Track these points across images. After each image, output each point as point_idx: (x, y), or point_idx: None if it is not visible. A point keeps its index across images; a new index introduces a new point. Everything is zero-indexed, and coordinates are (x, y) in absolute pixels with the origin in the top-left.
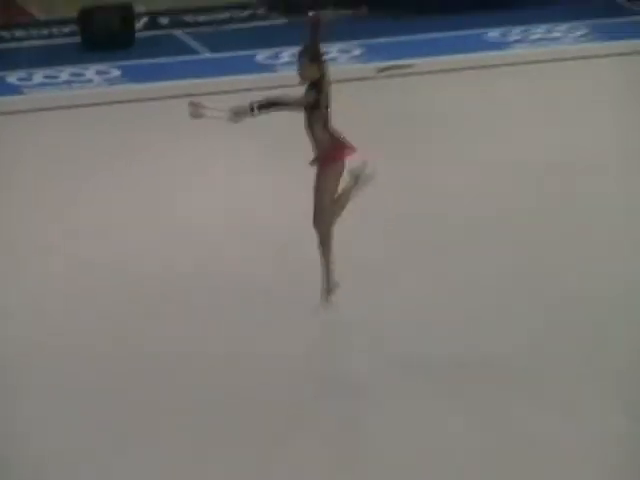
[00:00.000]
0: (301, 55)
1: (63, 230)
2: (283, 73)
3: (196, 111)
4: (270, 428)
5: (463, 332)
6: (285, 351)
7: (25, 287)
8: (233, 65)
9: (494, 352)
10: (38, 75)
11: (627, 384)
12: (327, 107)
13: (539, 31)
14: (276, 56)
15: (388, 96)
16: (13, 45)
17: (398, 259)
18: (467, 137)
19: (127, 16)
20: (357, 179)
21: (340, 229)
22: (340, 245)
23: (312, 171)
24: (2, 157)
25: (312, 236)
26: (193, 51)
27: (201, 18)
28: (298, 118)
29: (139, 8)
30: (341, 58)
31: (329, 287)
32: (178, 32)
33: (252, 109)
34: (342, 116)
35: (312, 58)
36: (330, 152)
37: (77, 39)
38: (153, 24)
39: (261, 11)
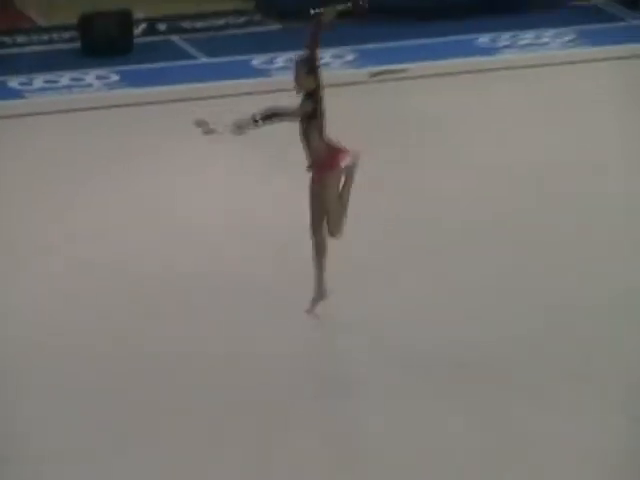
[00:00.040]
0: (298, 65)
1: (63, 231)
2: (278, 78)
3: (206, 128)
4: (270, 428)
5: (462, 332)
6: (285, 351)
7: (25, 287)
8: (229, 70)
9: (494, 352)
10: (39, 80)
11: (627, 384)
12: (323, 116)
13: (528, 37)
14: (271, 61)
15: (380, 100)
16: (14, 50)
17: (393, 262)
18: (458, 140)
19: (126, 22)
20: (352, 175)
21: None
22: (336, 247)
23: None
24: (3, 159)
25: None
26: (190, 56)
27: (198, 24)
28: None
29: (138, 15)
30: (334, 63)
31: (319, 297)
32: (176, 38)
33: (255, 120)
34: (336, 120)
35: (309, 69)
36: (327, 160)
37: (77, 45)
38: (151, 30)
39: (257, 17)
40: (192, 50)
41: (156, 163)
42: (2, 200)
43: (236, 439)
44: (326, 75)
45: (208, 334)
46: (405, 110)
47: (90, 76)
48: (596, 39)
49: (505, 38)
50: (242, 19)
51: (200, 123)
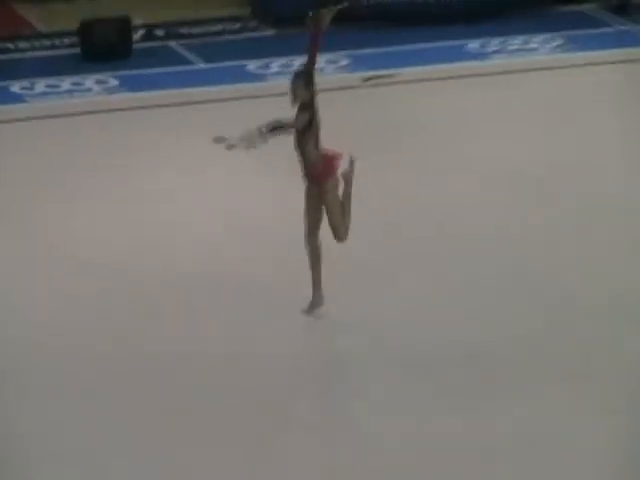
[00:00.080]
0: (295, 78)
1: (64, 231)
2: (273, 82)
3: (226, 143)
4: (270, 428)
5: (463, 332)
6: (285, 351)
7: (25, 287)
8: (225, 75)
9: (494, 352)
10: (40, 84)
11: (627, 384)
12: (318, 128)
13: (516, 42)
14: (266, 66)
15: (373, 104)
16: (16, 56)
17: (393, 262)
18: (449, 142)
19: (125, 28)
20: (350, 179)
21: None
22: (337, 247)
23: None
24: (6, 162)
25: None
26: (187, 61)
27: (195, 30)
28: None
29: (136, 21)
30: (328, 68)
31: (317, 303)
32: (173, 43)
33: (264, 133)
34: (329, 123)
35: (306, 81)
36: (324, 169)
37: (77, 50)
38: (150, 36)
39: (252, 23)
40: (189, 55)
41: (155, 164)
42: (4, 201)
43: (236, 439)
44: (320, 80)
45: (208, 334)
46: (397, 113)
47: (90, 81)
48: (584, 44)
49: (494, 44)
50: (238, 25)
51: (219, 140)
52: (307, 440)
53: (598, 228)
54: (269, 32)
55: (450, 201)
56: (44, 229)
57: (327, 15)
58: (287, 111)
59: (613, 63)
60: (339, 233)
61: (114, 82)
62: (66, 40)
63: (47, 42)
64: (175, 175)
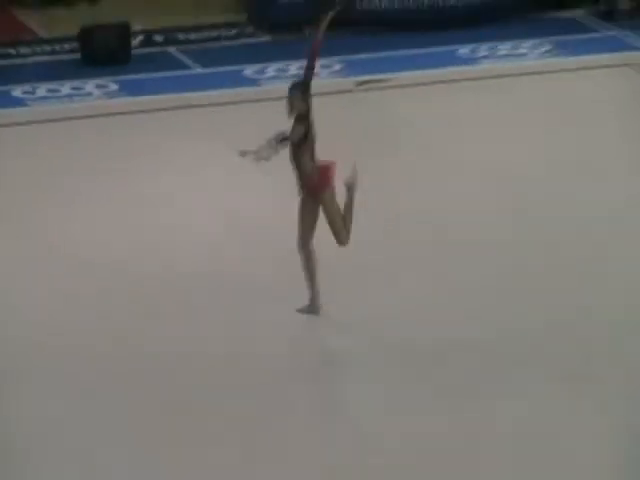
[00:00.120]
0: (293, 89)
1: (64, 232)
2: (268, 87)
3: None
4: (270, 428)
5: (463, 332)
6: (284, 351)
7: (25, 287)
8: (222, 79)
9: (494, 352)
10: (41, 89)
11: (627, 384)
12: (314, 140)
13: (506, 47)
14: (262, 71)
15: (366, 108)
16: (18, 61)
17: (387, 265)
18: (441, 144)
19: (124, 34)
20: (353, 189)
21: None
22: (337, 248)
23: None
24: (8, 164)
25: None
26: (186, 66)
27: (193, 36)
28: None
29: (136, 27)
30: (322, 73)
31: (313, 310)
32: (172, 49)
33: (274, 145)
34: (323, 127)
35: (303, 92)
36: (320, 181)
37: (78, 55)
38: (148, 42)
39: (248, 30)
40: (187, 60)
41: (155, 167)
42: (5, 203)
43: (236, 439)
44: (314, 84)
45: (208, 334)
46: (389, 117)
47: (90, 85)
48: (572, 50)
49: (484, 49)
50: (234, 31)
51: (244, 153)
52: (307, 440)
53: (597, 228)
54: (265, 38)
55: (446, 203)
56: (44, 230)
57: (323, 22)
58: (283, 115)
59: (600, 68)
60: (340, 237)
61: (114, 86)
62: (66, 45)
63: (48, 47)
64: (174, 177)
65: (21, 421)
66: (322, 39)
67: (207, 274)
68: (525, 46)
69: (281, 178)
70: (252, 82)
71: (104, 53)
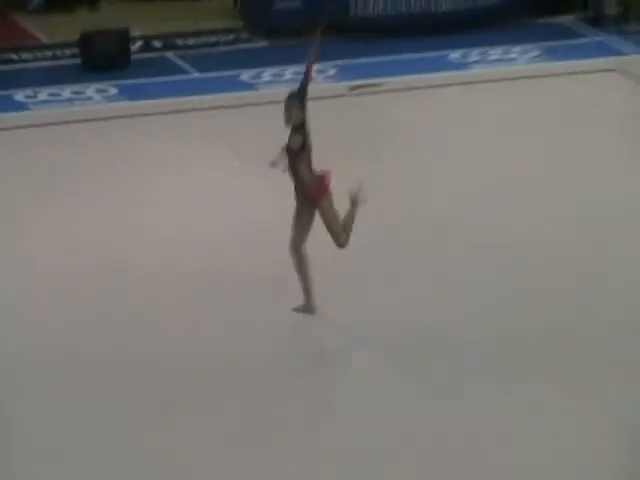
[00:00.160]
0: (290, 99)
1: (64, 232)
2: (265, 91)
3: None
4: (270, 427)
5: (463, 332)
6: (284, 351)
7: (25, 287)
8: (219, 84)
9: (494, 352)
10: (43, 93)
11: (627, 384)
12: (310, 149)
13: (496, 52)
14: (258, 76)
15: (360, 111)
16: (20, 66)
17: (386, 266)
18: (433, 146)
19: (124, 40)
20: (356, 201)
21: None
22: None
23: None
24: (10, 167)
25: (311, 238)
26: (184, 71)
27: (191, 42)
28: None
29: (135, 33)
30: (317, 78)
31: (308, 310)
32: (170, 54)
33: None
34: (318, 131)
35: (301, 100)
36: (318, 190)
37: (78, 61)
38: (147, 47)
39: (245, 35)
40: (185, 65)
41: (154, 167)
42: (6, 204)
43: (236, 438)
44: (309, 89)
45: (208, 334)
46: (383, 120)
47: (90, 90)
48: (560, 54)
49: (475, 54)
50: (231, 37)
51: (274, 164)
52: (307, 439)
53: (597, 229)
54: (261, 43)
55: (442, 204)
56: (44, 231)
57: (316, 35)
58: (279, 119)
59: (589, 72)
60: (340, 240)
61: (114, 91)
62: (67, 51)
63: (49, 53)
64: (174, 178)
65: (21, 421)
66: (318, 51)
67: (207, 274)
68: (515, 51)
69: (280, 180)
70: (249, 86)
71: (104, 58)
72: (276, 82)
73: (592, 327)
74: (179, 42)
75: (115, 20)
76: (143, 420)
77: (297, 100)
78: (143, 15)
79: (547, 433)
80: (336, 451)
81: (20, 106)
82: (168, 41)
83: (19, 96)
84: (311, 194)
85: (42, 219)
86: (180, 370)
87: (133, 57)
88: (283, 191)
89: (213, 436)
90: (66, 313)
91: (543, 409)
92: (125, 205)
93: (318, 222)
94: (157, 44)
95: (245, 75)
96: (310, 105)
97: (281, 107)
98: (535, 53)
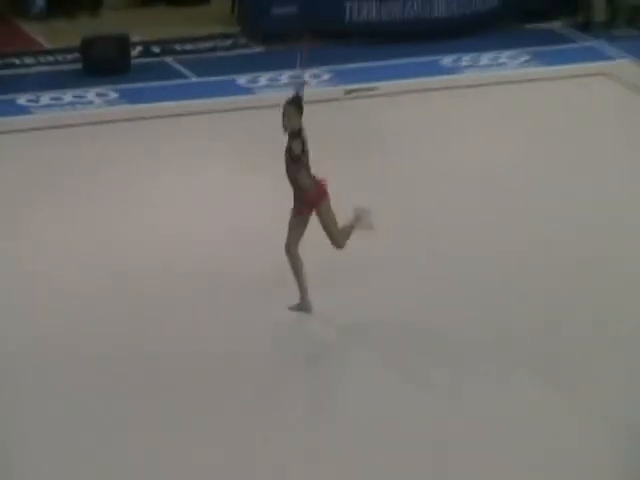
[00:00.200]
0: (288, 105)
1: (64, 232)
2: (261, 95)
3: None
4: (270, 427)
5: (463, 332)
6: (284, 351)
7: (25, 287)
8: (217, 88)
9: (494, 351)
10: (44, 97)
11: (626, 384)
12: (308, 155)
13: (487, 57)
14: (255, 80)
15: (354, 115)
16: (23, 71)
17: (385, 266)
18: (427, 149)
19: (124, 45)
20: (358, 219)
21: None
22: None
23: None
24: (12, 169)
25: (311, 238)
26: (182, 76)
27: (189, 47)
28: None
29: (135, 38)
30: (312, 82)
31: (304, 308)
32: (169, 59)
33: None
34: (314, 134)
35: (298, 108)
36: (317, 194)
37: (79, 65)
38: (147, 52)
39: (242, 40)
40: (184, 70)
41: (154, 168)
42: (8, 203)
43: (236, 438)
44: (305, 93)
45: (208, 334)
46: (376, 124)
47: (91, 94)
48: (549, 60)
49: (466, 59)
50: (229, 42)
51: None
52: (307, 439)
53: (597, 229)
54: (258, 49)
55: (439, 206)
56: (44, 231)
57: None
58: (275, 122)
59: (577, 77)
60: (338, 242)
61: (114, 95)
62: (69, 56)
63: (51, 58)
64: (173, 178)
65: (21, 421)
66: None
67: (207, 274)
68: (505, 56)
69: (280, 181)
70: (246, 91)
71: (104, 63)
72: (272, 86)
73: (592, 327)
74: (178, 47)
75: (115, 26)
76: (143, 420)
77: (295, 107)
78: (143, 21)
79: (547, 433)
80: (336, 451)
81: (22, 110)
82: (167, 46)
83: (22, 100)
84: (311, 198)
85: (42, 219)
86: (180, 370)
87: (133, 62)
88: (283, 191)
89: (213, 436)
90: (66, 313)
91: (543, 409)
92: (125, 205)
93: (318, 223)
94: (156, 49)
95: (242, 79)
96: (305, 109)
97: (277, 111)
98: (525, 58)
